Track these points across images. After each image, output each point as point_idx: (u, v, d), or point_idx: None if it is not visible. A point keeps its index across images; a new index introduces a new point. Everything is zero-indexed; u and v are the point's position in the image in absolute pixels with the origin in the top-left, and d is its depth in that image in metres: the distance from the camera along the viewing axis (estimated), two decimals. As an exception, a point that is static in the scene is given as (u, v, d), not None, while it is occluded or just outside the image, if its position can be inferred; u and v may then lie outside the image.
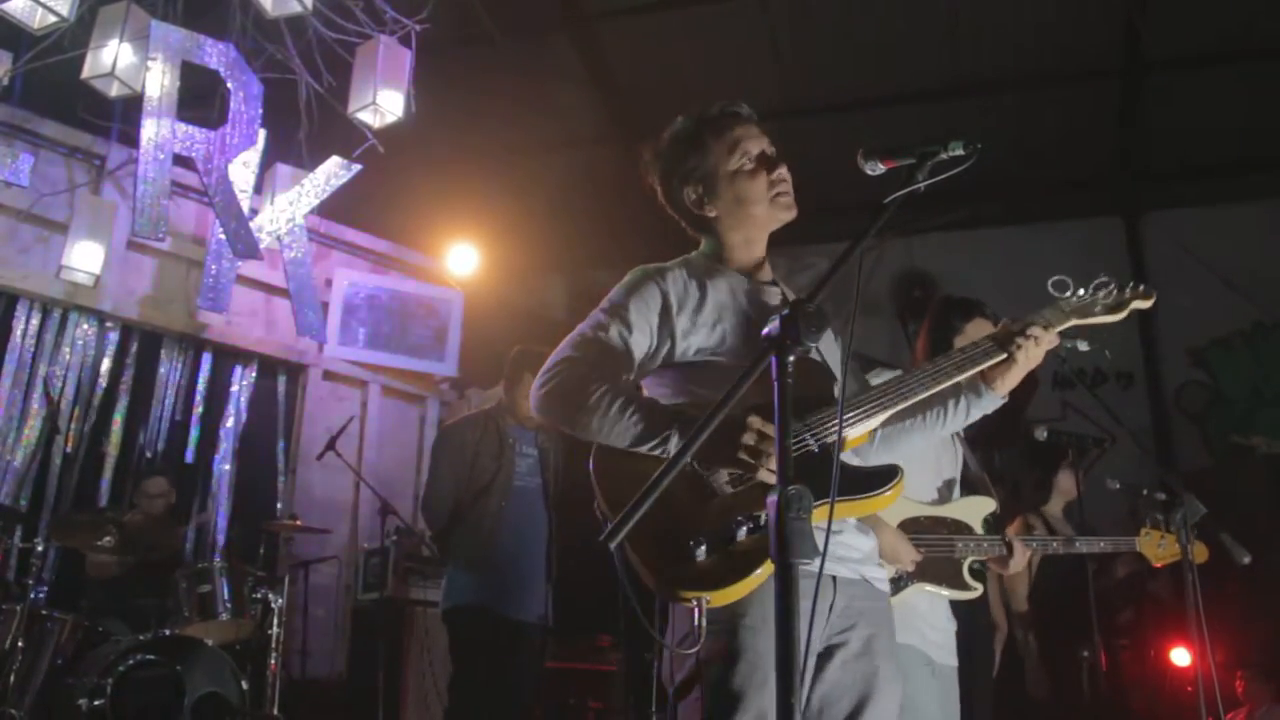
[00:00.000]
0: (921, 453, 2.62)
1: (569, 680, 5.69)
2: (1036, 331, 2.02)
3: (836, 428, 1.85)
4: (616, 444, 1.87)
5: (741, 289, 2.08)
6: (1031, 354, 2.03)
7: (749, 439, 1.75)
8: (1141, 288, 2.10)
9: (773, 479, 1.73)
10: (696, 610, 1.71)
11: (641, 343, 1.99)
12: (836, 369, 2.06)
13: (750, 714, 1.73)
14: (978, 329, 2.92)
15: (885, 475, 1.87)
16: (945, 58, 6.50)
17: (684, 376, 2.00)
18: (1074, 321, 2.07)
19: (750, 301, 2.05)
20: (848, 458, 1.97)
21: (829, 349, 2.13)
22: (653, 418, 1.85)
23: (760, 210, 2.10)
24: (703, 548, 1.73)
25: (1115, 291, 2.08)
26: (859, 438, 2.03)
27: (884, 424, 2.09)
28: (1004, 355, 2.02)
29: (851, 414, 1.93)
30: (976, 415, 2.15)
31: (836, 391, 1.97)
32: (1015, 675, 4.32)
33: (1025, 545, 2.98)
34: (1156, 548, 3.26)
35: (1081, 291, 2.09)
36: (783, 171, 2.11)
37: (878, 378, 2.80)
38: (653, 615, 1.80)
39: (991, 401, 2.11)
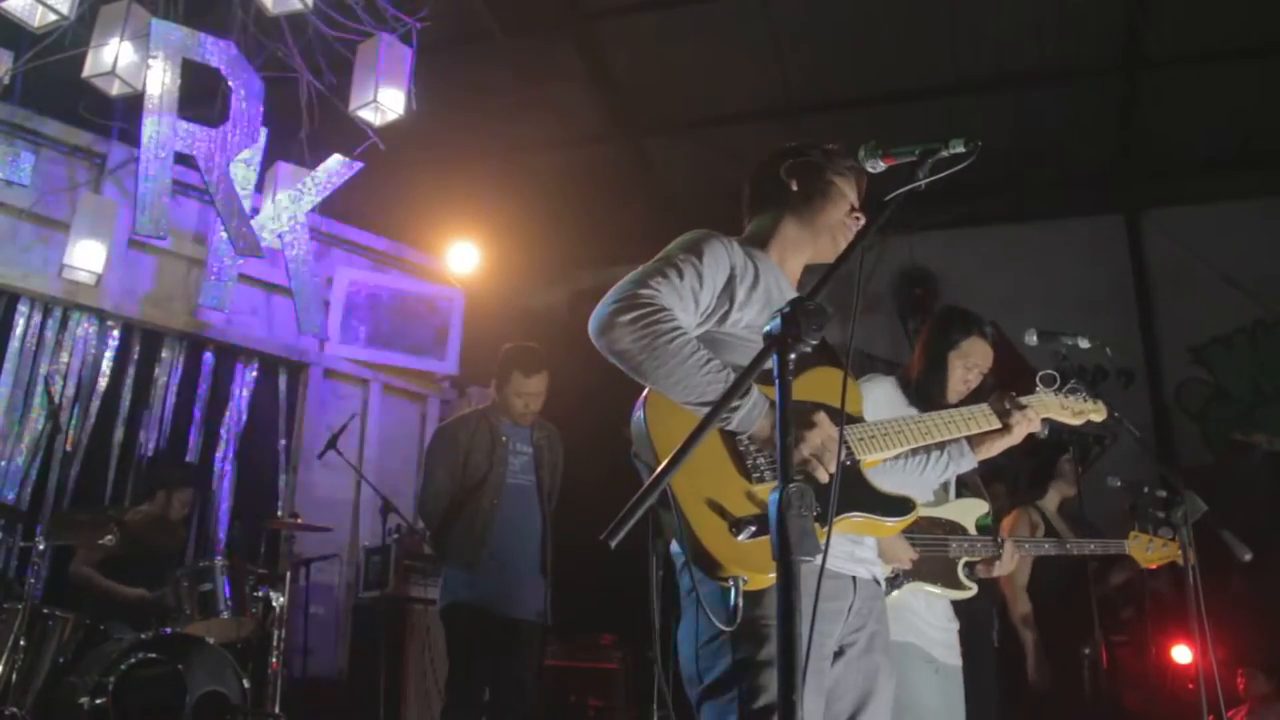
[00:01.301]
0: None
1: (569, 679, 5.68)
2: (1031, 414, 2.31)
3: (867, 445, 2.02)
4: (680, 396, 1.82)
5: (781, 281, 2.10)
6: (1021, 431, 2.30)
7: (815, 437, 1.80)
8: (1098, 402, 2.44)
9: (824, 477, 1.77)
10: (733, 589, 1.73)
11: (705, 301, 1.96)
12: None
13: None
14: (974, 346, 2.99)
15: (902, 507, 2.00)
16: (945, 57, 6.50)
17: (726, 349, 1.95)
18: (1051, 415, 2.38)
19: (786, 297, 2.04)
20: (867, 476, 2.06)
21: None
22: (732, 385, 1.77)
23: (830, 217, 2.14)
24: (751, 529, 1.76)
25: (1079, 400, 2.42)
26: (874, 461, 2.09)
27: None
28: (1000, 426, 2.28)
29: (875, 439, 2.05)
30: (952, 473, 2.38)
31: (868, 415, 2.09)
32: (1014, 669, 4.32)
33: (1017, 547, 3.02)
34: (1145, 550, 3.33)
35: (1059, 394, 2.40)
36: (862, 219, 2.15)
37: (870, 383, 2.85)
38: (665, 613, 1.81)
39: (969, 463, 2.35)
